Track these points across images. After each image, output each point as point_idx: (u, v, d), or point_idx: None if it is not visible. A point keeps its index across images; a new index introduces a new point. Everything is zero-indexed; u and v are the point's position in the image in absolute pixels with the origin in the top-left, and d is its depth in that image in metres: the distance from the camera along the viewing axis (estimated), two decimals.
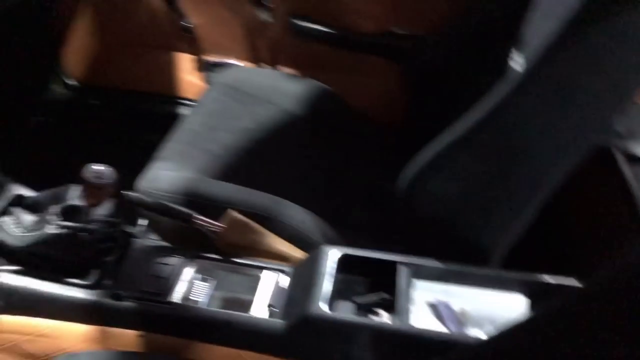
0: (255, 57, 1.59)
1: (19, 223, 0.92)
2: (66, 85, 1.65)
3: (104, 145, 1.58)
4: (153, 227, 1.05)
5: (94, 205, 0.85)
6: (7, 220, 0.92)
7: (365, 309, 0.87)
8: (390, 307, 0.87)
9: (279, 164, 1.24)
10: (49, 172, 1.23)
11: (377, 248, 0.93)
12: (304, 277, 0.92)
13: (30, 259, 0.88)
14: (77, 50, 1.64)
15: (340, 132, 1.38)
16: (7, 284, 0.87)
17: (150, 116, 1.62)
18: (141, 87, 1.63)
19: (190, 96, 1.62)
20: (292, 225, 1.03)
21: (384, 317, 0.86)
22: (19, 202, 1.01)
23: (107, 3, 1.59)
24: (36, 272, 0.88)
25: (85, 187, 0.81)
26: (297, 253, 1.01)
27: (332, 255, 0.92)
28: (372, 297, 0.88)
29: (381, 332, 0.82)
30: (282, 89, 1.42)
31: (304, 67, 1.57)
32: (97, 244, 0.89)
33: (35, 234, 0.87)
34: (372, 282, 0.93)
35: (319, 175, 1.26)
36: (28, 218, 0.94)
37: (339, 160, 1.32)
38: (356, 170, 1.32)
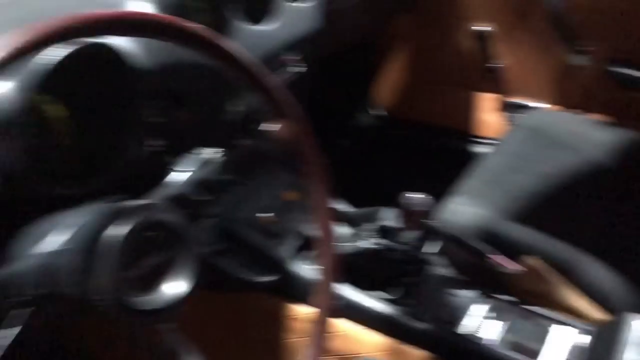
0: (563, 102, 1.55)
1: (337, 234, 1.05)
2: (375, 115, 1.82)
3: (403, 173, 1.69)
4: (448, 257, 1.10)
5: (408, 229, 0.93)
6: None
7: None
8: None
9: (582, 215, 1.18)
10: (352, 191, 1.38)
11: None
12: (610, 344, 0.86)
13: (347, 266, 1.00)
14: (388, 83, 1.80)
15: None
16: None
17: (449, 151, 1.69)
18: (443, 122, 1.71)
19: (488, 135, 1.64)
20: (593, 283, 0.98)
21: None
22: (338, 215, 1.16)
23: (423, 42, 1.71)
24: (352, 279, 0.99)
25: (404, 211, 0.90)
26: (594, 312, 0.96)
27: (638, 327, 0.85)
28: None
29: None
30: (592, 137, 1.35)
31: (618, 115, 1.47)
32: (404, 264, 0.97)
33: (351, 245, 0.99)
34: None
35: (627, 234, 1.17)
36: (345, 231, 1.06)
37: None
38: None
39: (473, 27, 1.60)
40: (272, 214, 1.09)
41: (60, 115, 0.76)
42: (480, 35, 1.59)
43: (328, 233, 0.68)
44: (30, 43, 0.48)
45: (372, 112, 1.83)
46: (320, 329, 0.66)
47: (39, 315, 0.55)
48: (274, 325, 1.04)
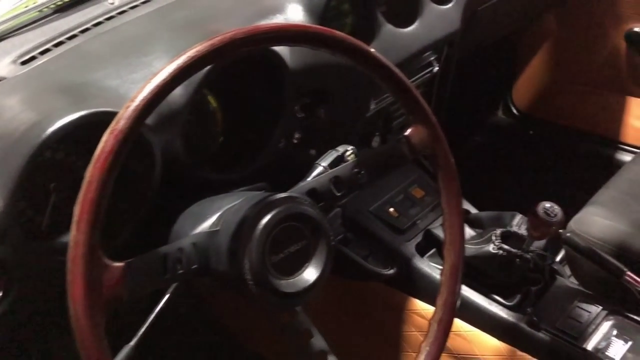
0: None
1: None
2: (509, 113, 1.78)
3: (535, 176, 1.65)
4: (572, 268, 1.08)
5: (537, 238, 0.93)
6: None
7: None
8: None
9: None
10: (485, 192, 1.37)
11: None
12: None
13: (466, 268, 1.01)
14: (528, 81, 1.74)
15: None
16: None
17: (588, 155, 1.62)
18: (583, 125, 1.63)
19: (633, 142, 1.55)
20: None
21: None
22: (463, 216, 1.16)
23: (570, 40, 1.64)
24: (468, 281, 1.00)
25: (534, 220, 0.89)
26: None
27: None
28: None
29: None
30: None
31: None
32: (527, 271, 0.97)
33: (475, 247, 1.00)
34: None
35: None
36: (468, 231, 1.07)
37: None
38: None
39: (628, 27, 1.50)
40: (398, 208, 1.12)
41: (219, 108, 0.85)
42: (634, 38, 1.50)
43: (458, 235, 0.70)
44: (215, 52, 0.55)
45: (511, 111, 1.78)
46: (442, 328, 0.69)
47: (186, 288, 0.63)
48: (392, 317, 1.08)
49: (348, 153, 0.79)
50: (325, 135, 0.93)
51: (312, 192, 0.67)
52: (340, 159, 0.78)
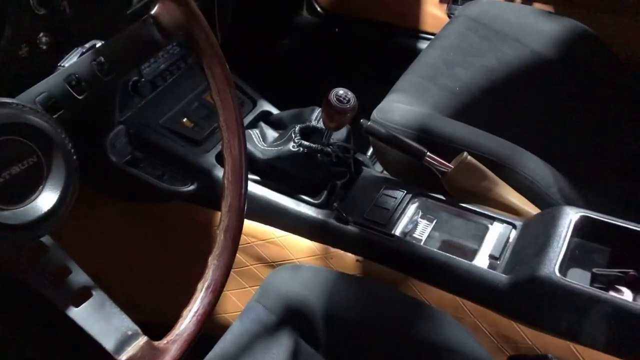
0: None
1: (263, 137, 0.98)
2: (314, 12, 1.70)
3: (342, 72, 1.61)
4: (379, 157, 1.06)
5: (334, 128, 0.87)
6: (253, 133, 0.99)
7: (604, 282, 0.78)
8: (635, 285, 0.76)
9: (521, 109, 1.14)
10: (291, 92, 1.30)
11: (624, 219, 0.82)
12: (535, 235, 0.84)
13: (269, 171, 0.94)
14: None
15: (599, 82, 1.21)
16: (249, 191, 0.95)
17: (389, 47, 1.61)
18: (383, 17, 1.61)
19: (432, 30, 1.56)
20: (529, 178, 0.94)
21: (626, 295, 0.75)
22: (265, 118, 1.08)
23: None
24: (273, 184, 0.94)
25: (328, 109, 0.83)
26: (528, 207, 0.93)
27: (570, 216, 0.83)
28: (613, 271, 0.78)
29: (622, 311, 0.72)
30: (534, 27, 1.29)
31: (561, 3, 1.40)
32: (331, 166, 0.92)
33: (277, 149, 0.93)
34: (613, 254, 0.83)
35: (567, 128, 1.13)
36: (271, 133, 1.00)
37: (594, 115, 1.17)
38: (613, 129, 1.16)
39: None
40: (193, 118, 1.01)
41: None
42: None
43: (235, 130, 0.60)
44: None
45: (315, 9, 1.71)
46: (230, 236, 0.61)
47: None
48: (198, 234, 0.99)
49: (94, 47, 0.65)
50: (80, 37, 0.77)
51: (44, 98, 0.53)
52: (83, 54, 0.64)
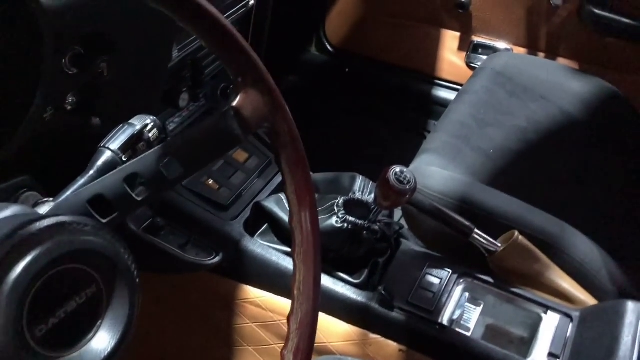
0: (533, 44, 1.42)
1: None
2: (323, 49, 1.63)
3: (357, 114, 1.54)
4: (414, 227, 0.98)
5: (387, 208, 0.79)
6: (284, 198, 0.90)
7: None
8: None
9: (556, 176, 1.09)
10: (304, 133, 1.22)
11: None
12: (599, 332, 0.78)
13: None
14: (340, 15, 1.60)
15: (633, 148, 1.17)
16: (280, 264, 0.86)
17: (405, 91, 1.54)
18: (398, 60, 1.55)
19: (450, 78, 1.51)
20: (579, 260, 0.89)
21: None
22: None
23: None
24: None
25: (385, 189, 0.75)
26: (580, 294, 0.87)
27: (636, 312, 0.77)
28: None
29: None
30: (563, 85, 1.24)
31: (590, 61, 1.37)
32: (375, 243, 0.84)
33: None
34: None
35: (609, 199, 1.08)
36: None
37: (632, 183, 1.13)
38: None
39: None
40: (219, 179, 0.92)
41: None
42: None
43: (312, 237, 0.52)
44: None
45: (324, 47, 1.63)
46: (301, 357, 0.52)
47: None
48: (223, 309, 0.89)
49: (149, 128, 0.56)
50: (112, 97, 0.67)
51: (98, 201, 0.44)
52: (137, 138, 0.55)
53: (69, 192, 0.47)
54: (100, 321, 0.41)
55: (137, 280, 0.43)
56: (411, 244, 0.94)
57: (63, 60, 0.61)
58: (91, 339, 0.40)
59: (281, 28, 1.50)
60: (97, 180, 0.45)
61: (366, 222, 0.81)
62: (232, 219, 0.88)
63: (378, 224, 0.82)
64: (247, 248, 0.86)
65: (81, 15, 0.58)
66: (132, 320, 0.42)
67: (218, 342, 0.92)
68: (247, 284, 0.88)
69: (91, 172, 0.51)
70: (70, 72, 0.62)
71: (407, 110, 1.49)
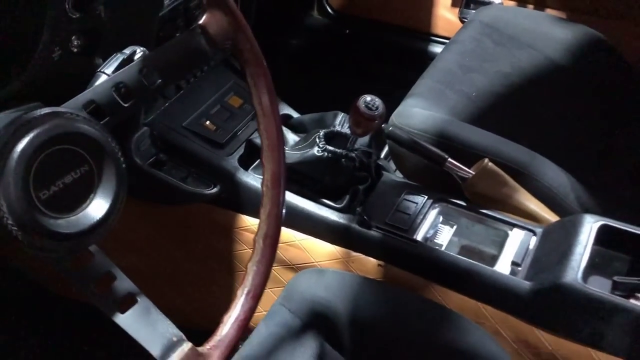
0: None
1: (285, 140, 0.99)
2: (324, 12, 1.71)
3: (353, 74, 1.62)
4: (397, 161, 1.07)
5: (360, 135, 0.88)
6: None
7: (624, 289, 0.79)
8: None
9: (537, 116, 1.16)
10: (304, 93, 1.31)
11: None
12: (556, 243, 0.86)
13: (291, 174, 0.95)
14: None
15: (614, 90, 1.23)
16: None
17: (402, 50, 1.62)
18: (394, 19, 1.62)
19: (444, 33, 1.57)
20: (547, 185, 0.96)
21: None
22: (285, 121, 1.09)
23: None
24: (295, 188, 0.95)
25: (356, 116, 0.84)
26: (547, 215, 0.95)
27: (591, 224, 0.85)
28: (634, 279, 0.80)
29: None
30: (548, 33, 1.30)
31: (576, 10, 1.42)
32: (354, 171, 0.93)
33: (300, 153, 0.94)
34: (633, 262, 0.84)
35: (583, 135, 1.15)
36: (292, 137, 1.00)
37: (610, 122, 1.19)
38: (625, 134, 1.18)
39: None
40: (215, 120, 1.01)
41: None
42: None
43: (275, 138, 0.61)
44: None
45: (326, 10, 1.71)
46: (269, 243, 0.62)
47: None
48: (221, 237, 1.00)
49: (138, 54, 0.65)
50: (112, 39, 0.77)
51: (91, 106, 0.54)
52: (127, 62, 0.64)
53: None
54: (93, 194, 0.51)
55: (123, 166, 0.53)
56: (392, 176, 1.02)
57: (66, 5, 0.71)
58: (87, 206, 0.50)
59: None
60: (90, 89, 0.55)
61: (344, 151, 0.90)
62: (228, 155, 0.98)
63: (355, 152, 0.91)
64: (241, 180, 0.96)
65: None
66: (119, 193, 0.52)
67: (219, 266, 1.02)
68: (243, 213, 0.98)
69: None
70: (73, 16, 0.72)
71: (403, 67, 1.56)
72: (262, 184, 0.63)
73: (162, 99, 0.97)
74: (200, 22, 0.56)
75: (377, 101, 0.84)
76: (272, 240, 0.62)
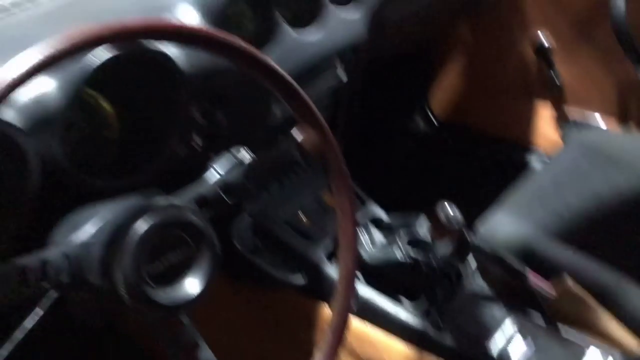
0: (624, 120, 1.49)
1: (371, 240, 1.07)
2: (429, 121, 1.81)
3: (453, 182, 1.68)
4: (482, 270, 1.09)
5: (440, 239, 0.94)
6: (361, 234, 1.07)
7: None
8: None
9: (631, 240, 1.14)
10: (402, 197, 1.38)
11: None
12: None
13: (372, 271, 1.01)
14: (445, 89, 1.78)
15: None
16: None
17: (502, 161, 1.66)
18: (498, 132, 1.68)
19: (543, 149, 1.60)
20: (631, 311, 0.94)
21: None
22: (375, 221, 1.17)
23: (482, 50, 1.68)
24: (376, 283, 1.00)
25: (436, 226, 0.90)
26: (630, 341, 0.93)
27: None
28: None
29: None
30: None
31: None
32: (435, 275, 0.97)
33: (384, 256, 1.00)
34: None
35: None
36: (378, 237, 1.08)
37: None
38: None
39: (534, 37, 1.56)
40: (310, 215, 1.11)
41: (108, 110, 0.81)
42: (541, 46, 1.55)
43: (351, 240, 0.69)
44: (64, 50, 0.52)
45: (429, 119, 1.81)
46: (337, 335, 0.68)
47: (68, 300, 0.60)
48: (305, 325, 1.06)
49: (245, 155, 0.77)
50: (228, 141, 0.90)
51: (201, 200, 0.65)
52: (237, 165, 0.76)
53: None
54: (190, 272, 0.60)
55: (219, 253, 0.62)
56: (473, 282, 1.05)
57: (194, 112, 0.85)
58: (182, 282, 0.60)
59: (386, 101, 1.71)
60: (201, 184, 0.67)
61: (425, 258, 0.95)
62: (318, 248, 1.06)
63: (437, 259, 0.96)
64: (326, 272, 1.03)
65: (208, 78, 0.82)
66: (210, 276, 0.61)
67: (297, 351, 1.08)
68: (326, 302, 1.04)
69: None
70: (199, 122, 0.87)
71: (498, 176, 1.60)
72: (338, 280, 0.70)
73: (264, 191, 1.09)
74: (295, 135, 0.67)
75: (457, 212, 0.90)
76: (340, 333, 0.68)
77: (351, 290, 0.69)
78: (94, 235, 0.58)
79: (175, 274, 0.60)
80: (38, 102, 0.66)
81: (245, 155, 0.77)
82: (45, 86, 0.68)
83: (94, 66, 0.68)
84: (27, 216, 0.67)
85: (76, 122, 0.75)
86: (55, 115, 0.67)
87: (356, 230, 0.70)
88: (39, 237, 0.64)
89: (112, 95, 0.80)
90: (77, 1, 0.85)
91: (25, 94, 0.66)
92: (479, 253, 1.01)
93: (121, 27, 0.54)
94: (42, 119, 0.66)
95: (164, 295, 0.58)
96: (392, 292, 0.99)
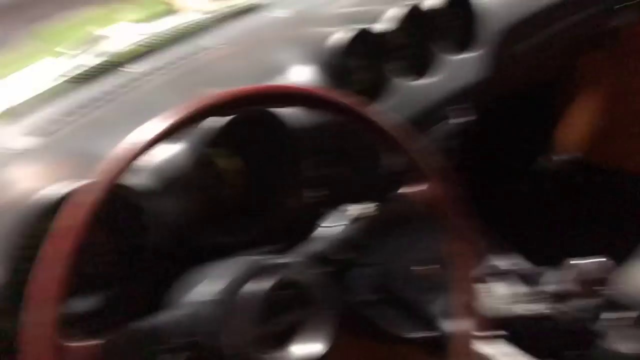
0: None
1: (512, 292, 1.00)
2: (558, 160, 1.69)
3: (590, 225, 1.54)
4: (621, 330, 0.98)
5: (586, 297, 0.86)
6: (497, 287, 1.01)
7: None
8: None
9: None
10: (537, 242, 1.28)
11: None
12: None
13: (509, 328, 0.95)
14: (579, 125, 1.67)
15: None
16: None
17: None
18: (636, 169, 1.53)
19: None
20: None
21: None
22: (514, 271, 1.10)
23: (616, 80, 1.57)
24: (512, 342, 0.93)
25: (579, 277, 0.83)
26: None
27: None
28: None
29: None
30: None
31: None
32: (575, 333, 0.90)
33: (521, 306, 0.93)
34: None
35: None
36: (515, 288, 1.01)
37: None
38: None
39: None
40: (429, 267, 1.07)
41: (232, 168, 0.84)
42: None
43: (469, 298, 0.65)
44: (187, 117, 0.55)
45: (556, 156, 1.70)
46: None
47: None
48: None
49: (359, 213, 0.76)
50: (342, 193, 0.90)
51: (316, 257, 0.65)
52: (351, 220, 0.75)
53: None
54: (303, 335, 0.59)
55: (334, 317, 0.61)
56: (619, 345, 0.95)
57: (305, 166, 0.86)
58: (297, 345, 0.58)
59: (511, 139, 1.63)
60: (316, 241, 0.66)
61: (566, 311, 0.87)
62: (432, 303, 1.02)
63: (579, 314, 0.88)
64: (444, 328, 0.98)
65: (317, 133, 0.83)
66: (327, 342, 0.59)
67: None
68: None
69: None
70: (309, 175, 0.87)
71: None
72: (454, 336, 0.66)
73: (379, 245, 1.06)
74: (409, 192, 0.65)
75: (601, 263, 0.82)
76: None
77: (466, 348, 0.65)
78: (210, 295, 0.59)
79: (288, 337, 0.59)
80: (166, 164, 0.69)
81: (357, 210, 0.76)
82: (171, 148, 0.71)
83: (216, 128, 0.72)
84: (147, 278, 0.70)
85: (200, 182, 0.79)
86: (183, 174, 0.70)
87: (473, 285, 0.66)
88: (157, 299, 0.66)
89: (229, 154, 0.84)
90: (197, 69, 0.90)
91: (154, 157, 0.69)
92: (617, 309, 0.91)
93: (231, 95, 0.56)
94: (171, 180, 0.69)
95: (276, 358, 0.57)
96: (529, 350, 0.92)
